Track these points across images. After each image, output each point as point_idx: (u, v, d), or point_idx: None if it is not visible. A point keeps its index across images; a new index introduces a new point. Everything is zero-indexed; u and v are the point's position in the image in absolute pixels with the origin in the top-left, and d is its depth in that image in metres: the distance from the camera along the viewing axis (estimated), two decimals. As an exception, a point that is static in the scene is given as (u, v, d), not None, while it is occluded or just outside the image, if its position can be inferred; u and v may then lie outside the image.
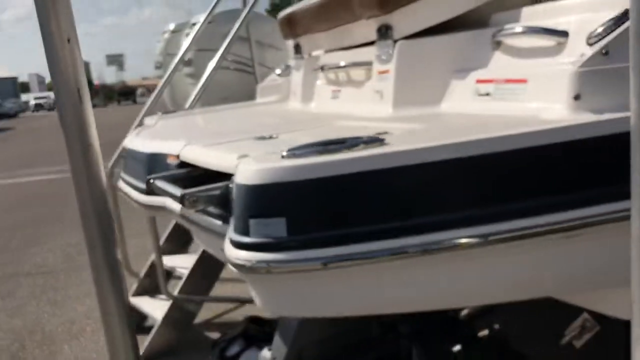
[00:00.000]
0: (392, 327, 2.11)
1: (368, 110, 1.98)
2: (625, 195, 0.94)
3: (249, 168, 1.13)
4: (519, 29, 1.57)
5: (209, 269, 3.22)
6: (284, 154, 1.14)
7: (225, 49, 3.71)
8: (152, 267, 3.44)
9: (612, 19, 1.23)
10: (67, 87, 1.57)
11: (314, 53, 2.62)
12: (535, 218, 1.09)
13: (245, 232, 1.09)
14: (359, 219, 1.07)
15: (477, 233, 1.07)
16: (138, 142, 1.99)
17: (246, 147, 1.41)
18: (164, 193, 1.52)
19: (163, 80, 3.78)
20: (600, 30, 1.25)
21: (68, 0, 1.55)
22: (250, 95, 4.92)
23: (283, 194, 1.07)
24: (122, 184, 2.03)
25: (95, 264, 1.68)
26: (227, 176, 1.33)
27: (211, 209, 1.37)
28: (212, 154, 1.47)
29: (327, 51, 2.48)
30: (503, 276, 1.18)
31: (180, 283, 3.18)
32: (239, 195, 1.11)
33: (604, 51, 1.19)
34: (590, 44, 1.26)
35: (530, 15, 1.65)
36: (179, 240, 3.77)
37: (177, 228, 3.68)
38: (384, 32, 1.89)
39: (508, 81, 1.56)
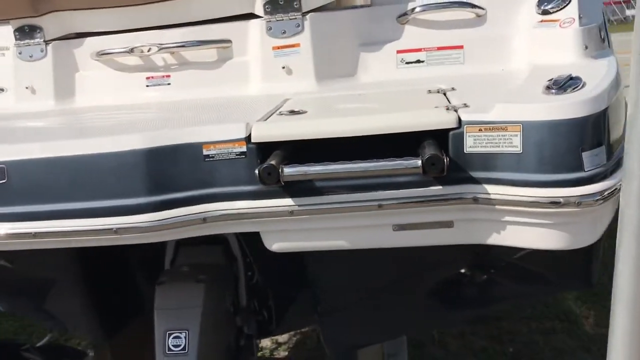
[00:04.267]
0: None
1: (264, 88, 1.86)
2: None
3: (565, 104, 1.14)
4: (435, 4, 1.89)
5: None
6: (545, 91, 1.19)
7: None
8: None
9: None
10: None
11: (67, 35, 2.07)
12: None
13: (576, 167, 1.11)
14: None
15: None
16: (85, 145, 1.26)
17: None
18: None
19: None
20: (553, 4, 1.74)
21: None
22: None
23: (602, 122, 1.15)
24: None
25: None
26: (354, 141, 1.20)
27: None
28: (369, 118, 1.24)
29: (105, 33, 2.03)
30: None
31: None
32: (560, 132, 1.11)
33: (580, 15, 1.69)
34: (548, 13, 1.74)
35: None
36: None
37: None
38: (286, 4, 1.83)
39: (440, 48, 1.86)
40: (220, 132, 1.25)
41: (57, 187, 1.25)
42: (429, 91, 1.51)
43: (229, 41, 1.91)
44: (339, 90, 1.79)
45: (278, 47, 1.85)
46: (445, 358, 3.60)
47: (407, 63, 1.86)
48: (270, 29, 1.85)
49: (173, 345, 1.76)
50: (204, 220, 1.25)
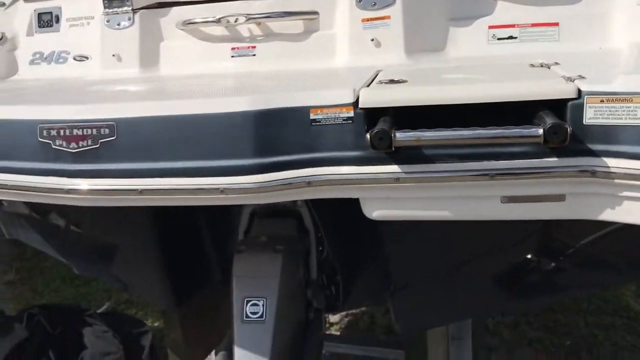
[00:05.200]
0: None
1: (351, 60, 1.85)
2: None
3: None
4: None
5: None
6: None
7: None
8: None
9: None
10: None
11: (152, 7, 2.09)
12: None
13: None
14: None
15: None
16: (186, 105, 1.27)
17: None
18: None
19: None
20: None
21: None
22: None
23: None
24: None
25: None
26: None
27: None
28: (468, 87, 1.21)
29: (190, 2, 2.04)
30: None
31: None
32: None
33: None
34: None
35: None
36: None
37: None
38: (378, -24, 1.81)
39: (535, 25, 1.82)
40: (327, 97, 1.24)
41: (165, 145, 1.26)
42: (532, 65, 1.47)
43: (316, 13, 1.90)
44: (428, 64, 1.77)
45: (367, 20, 1.83)
46: (500, 346, 3.57)
47: (499, 39, 1.82)
48: (360, 1, 1.83)
49: (251, 312, 1.78)
50: (309, 184, 1.24)
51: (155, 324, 3.90)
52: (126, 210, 2.03)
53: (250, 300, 1.79)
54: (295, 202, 2.05)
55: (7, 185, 1.39)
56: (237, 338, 1.76)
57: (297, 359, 1.88)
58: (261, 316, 1.77)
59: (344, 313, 4.03)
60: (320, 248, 2.16)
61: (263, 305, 1.78)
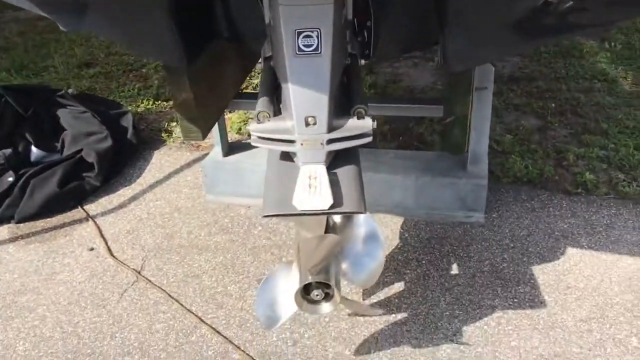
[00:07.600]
0: None
1: None
2: None
3: None
4: None
5: None
6: None
7: None
8: None
9: None
10: None
11: None
12: None
13: None
14: None
15: None
16: None
17: None
18: None
19: None
20: None
21: None
22: None
23: None
24: None
25: None
26: None
27: None
28: None
29: None
30: None
31: None
32: None
33: None
34: None
35: None
36: None
37: None
38: None
39: None
40: None
41: None
42: None
43: None
44: None
45: None
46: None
47: None
48: None
49: (304, 45, 1.56)
50: None
51: (129, 108, 3.64)
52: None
53: (303, 32, 1.56)
54: None
55: None
56: (290, 74, 1.56)
57: (348, 98, 1.72)
58: (316, 49, 1.56)
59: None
60: None
61: (317, 37, 1.56)
